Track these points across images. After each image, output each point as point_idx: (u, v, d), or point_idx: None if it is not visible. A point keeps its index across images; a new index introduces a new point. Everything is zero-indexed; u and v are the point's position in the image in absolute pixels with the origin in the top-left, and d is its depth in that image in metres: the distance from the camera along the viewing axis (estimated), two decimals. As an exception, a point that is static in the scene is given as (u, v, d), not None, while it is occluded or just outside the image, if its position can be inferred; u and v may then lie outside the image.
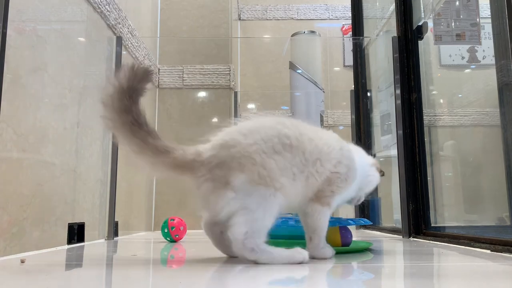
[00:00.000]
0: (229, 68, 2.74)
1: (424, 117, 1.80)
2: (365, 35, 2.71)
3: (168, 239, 1.54)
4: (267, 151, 0.86)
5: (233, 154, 0.84)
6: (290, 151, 0.88)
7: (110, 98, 0.87)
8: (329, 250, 0.96)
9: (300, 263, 0.86)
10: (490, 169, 2.28)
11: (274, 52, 3.50)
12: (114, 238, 1.71)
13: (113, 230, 1.72)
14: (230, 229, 0.83)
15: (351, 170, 0.97)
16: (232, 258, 0.94)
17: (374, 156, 2.48)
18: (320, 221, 0.94)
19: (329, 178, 0.93)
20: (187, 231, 1.58)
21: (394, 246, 1.41)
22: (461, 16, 1.80)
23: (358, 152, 1.05)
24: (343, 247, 1.11)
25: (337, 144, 0.97)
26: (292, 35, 2.63)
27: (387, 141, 2.20)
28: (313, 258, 0.93)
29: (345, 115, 2.94)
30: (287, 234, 1.18)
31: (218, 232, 0.94)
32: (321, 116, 2.51)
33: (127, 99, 0.87)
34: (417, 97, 1.79)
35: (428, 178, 1.78)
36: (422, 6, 1.89)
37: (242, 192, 0.82)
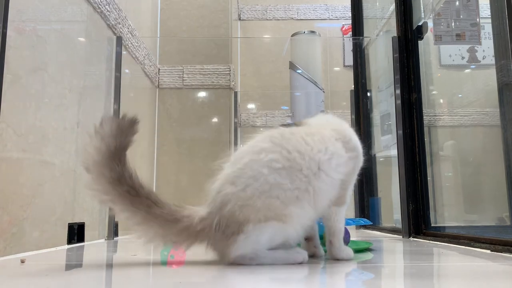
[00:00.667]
0: (229, 68, 2.74)
1: (424, 117, 1.80)
2: (365, 35, 2.71)
3: (168, 239, 1.54)
4: (262, 189, 0.81)
5: (233, 210, 0.80)
6: (285, 175, 0.82)
7: (98, 166, 0.78)
8: (350, 250, 0.96)
9: (300, 263, 0.86)
10: (490, 169, 2.28)
11: (274, 52, 3.50)
12: (114, 238, 1.71)
13: (113, 230, 1.72)
14: (233, 244, 0.80)
15: (356, 159, 0.94)
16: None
17: (374, 155, 2.48)
18: (337, 222, 0.92)
19: (341, 180, 0.90)
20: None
21: (394, 246, 1.41)
22: (461, 16, 1.80)
23: (348, 130, 0.97)
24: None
25: (335, 146, 0.90)
26: (292, 35, 2.63)
27: (387, 141, 2.20)
28: (336, 259, 0.92)
29: (345, 115, 2.94)
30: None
31: None
32: (321, 116, 2.51)
33: (118, 163, 0.79)
34: (417, 97, 1.79)
35: (428, 178, 1.78)
36: (422, 6, 1.89)
37: (253, 233, 0.80)
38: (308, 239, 1.01)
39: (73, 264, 0.99)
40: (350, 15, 2.88)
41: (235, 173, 0.83)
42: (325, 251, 0.98)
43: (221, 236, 0.81)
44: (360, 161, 0.96)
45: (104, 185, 0.79)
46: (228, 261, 0.81)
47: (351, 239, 1.17)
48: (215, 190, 0.84)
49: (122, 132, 0.80)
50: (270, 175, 0.81)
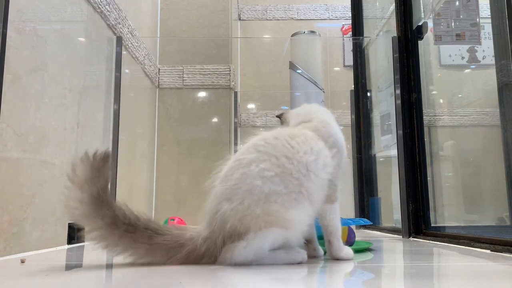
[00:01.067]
0: (229, 68, 2.74)
1: (424, 117, 1.81)
2: (365, 35, 2.71)
3: (168, 239, 1.54)
4: (259, 198, 0.81)
5: (234, 225, 0.79)
6: (279, 182, 0.82)
7: (89, 218, 0.76)
8: (350, 249, 0.96)
9: (300, 262, 0.86)
10: (490, 169, 2.28)
11: (274, 52, 3.50)
12: (114, 238, 1.71)
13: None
14: (232, 249, 0.80)
15: (338, 153, 0.94)
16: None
17: (374, 155, 2.48)
18: (333, 220, 0.92)
19: (329, 180, 0.91)
20: (187, 231, 1.58)
21: (394, 246, 1.41)
22: (461, 16, 1.80)
23: (328, 126, 0.97)
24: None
25: (318, 146, 0.90)
26: (292, 35, 2.63)
27: (387, 141, 2.20)
28: (336, 259, 0.93)
29: (345, 115, 2.95)
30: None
31: None
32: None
33: (106, 207, 0.77)
34: (417, 97, 1.79)
35: (428, 178, 1.78)
36: (422, 6, 1.89)
37: (255, 241, 0.80)
38: (307, 241, 1.01)
39: (73, 264, 0.99)
40: (350, 15, 2.88)
41: (229, 190, 0.82)
42: (325, 252, 0.98)
43: (226, 249, 0.81)
44: (343, 155, 0.96)
45: (100, 233, 0.78)
46: (229, 264, 0.81)
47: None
48: (213, 211, 0.83)
49: (98, 172, 0.77)
50: (264, 185, 0.81)
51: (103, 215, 0.77)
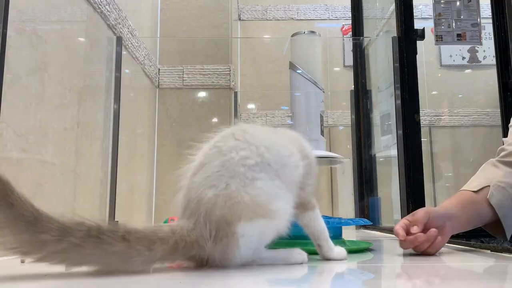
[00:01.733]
0: (229, 68, 2.74)
1: (425, 117, 1.81)
2: (365, 35, 2.71)
3: (168, 239, 1.54)
4: (245, 183, 0.77)
5: (223, 212, 0.75)
6: (259, 171, 0.80)
7: (30, 244, 0.68)
8: (342, 249, 0.94)
9: (300, 263, 0.86)
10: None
11: (274, 52, 3.50)
12: (114, 238, 1.71)
13: (113, 230, 1.72)
14: (227, 248, 0.77)
15: (312, 164, 0.92)
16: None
17: (374, 155, 2.48)
18: (317, 226, 0.91)
19: (301, 182, 0.88)
20: (187, 231, 1.58)
21: (394, 246, 1.41)
22: (462, 16, 1.80)
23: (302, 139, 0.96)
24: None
25: (293, 146, 0.89)
26: (292, 35, 2.62)
27: (387, 141, 2.20)
28: (329, 259, 0.92)
29: (345, 115, 2.95)
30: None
31: None
32: (321, 116, 2.51)
33: (37, 222, 0.71)
34: (416, 98, 1.79)
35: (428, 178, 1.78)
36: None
37: (247, 231, 0.77)
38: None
39: (73, 264, 0.99)
40: (350, 15, 2.88)
41: (213, 177, 0.78)
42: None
43: (214, 243, 0.77)
44: (314, 167, 0.93)
45: (51, 250, 0.68)
46: (229, 265, 0.80)
47: (351, 239, 1.17)
48: (195, 200, 0.78)
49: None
50: (247, 172, 0.79)
51: (40, 231, 0.68)
